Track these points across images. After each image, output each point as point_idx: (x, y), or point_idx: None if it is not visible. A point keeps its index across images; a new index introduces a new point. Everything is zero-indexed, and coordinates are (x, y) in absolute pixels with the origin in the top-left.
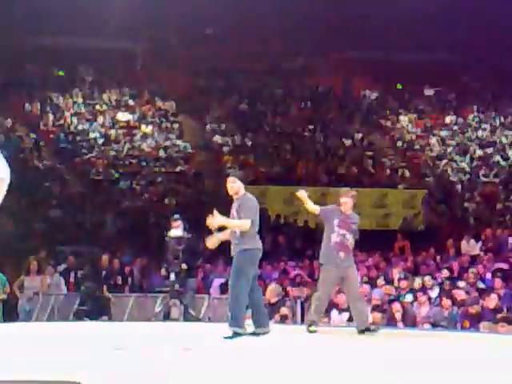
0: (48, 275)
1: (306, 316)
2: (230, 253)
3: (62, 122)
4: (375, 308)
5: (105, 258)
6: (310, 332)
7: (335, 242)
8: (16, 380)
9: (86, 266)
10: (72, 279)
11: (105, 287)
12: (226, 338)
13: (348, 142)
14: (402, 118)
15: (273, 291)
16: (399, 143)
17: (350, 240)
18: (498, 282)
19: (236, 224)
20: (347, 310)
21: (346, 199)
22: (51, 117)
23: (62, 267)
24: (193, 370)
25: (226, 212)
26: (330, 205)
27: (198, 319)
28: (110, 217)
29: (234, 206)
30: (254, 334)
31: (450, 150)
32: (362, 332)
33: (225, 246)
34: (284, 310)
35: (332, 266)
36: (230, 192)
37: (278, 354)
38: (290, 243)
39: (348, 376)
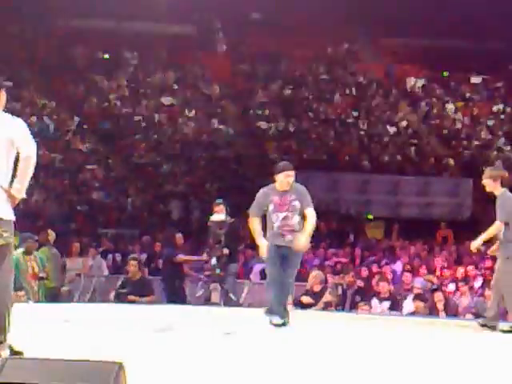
0: (90, 257)
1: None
2: (278, 241)
3: (105, 105)
4: (417, 297)
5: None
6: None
7: None
8: (58, 359)
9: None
10: (118, 261)
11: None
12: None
13: (392, 130)
14: (447, 105)
15: (316, 278)
16: (444, 131)
17: None
18: None
19: (313, 227)
20: (388, 298)
21: None
22: (95, 100)
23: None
24: (234, 354)
25: None
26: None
27: (238, 304)
28: (151, 200)
29: (291, 195)
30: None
31: (497, 139)
32: None
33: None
34: (328, 297)
35: None
36: (286, 187)
37: (323, 340)
38: (331, 230)
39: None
